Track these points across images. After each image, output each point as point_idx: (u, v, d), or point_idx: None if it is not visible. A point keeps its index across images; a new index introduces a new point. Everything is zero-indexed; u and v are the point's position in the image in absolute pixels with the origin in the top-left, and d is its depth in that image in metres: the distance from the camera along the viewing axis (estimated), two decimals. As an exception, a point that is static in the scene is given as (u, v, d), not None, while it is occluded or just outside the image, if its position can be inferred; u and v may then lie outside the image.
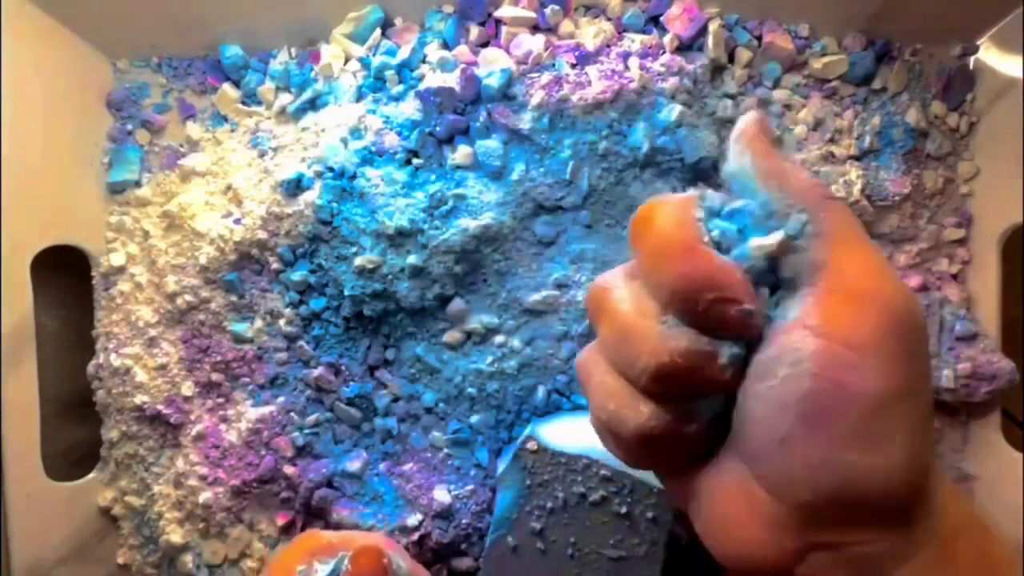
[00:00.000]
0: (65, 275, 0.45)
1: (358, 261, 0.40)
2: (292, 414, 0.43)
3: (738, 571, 0.23)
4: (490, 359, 0.41)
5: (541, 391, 0.41)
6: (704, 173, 0.41)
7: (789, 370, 0.20)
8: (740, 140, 0.23)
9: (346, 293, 0.41)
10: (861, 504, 0.20)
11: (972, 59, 0.45)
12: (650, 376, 0.22)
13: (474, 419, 0.42)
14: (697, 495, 0.24)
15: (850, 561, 0.21)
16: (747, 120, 0.24)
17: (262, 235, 0.42)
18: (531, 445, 0.36)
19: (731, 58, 0.43)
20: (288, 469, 0.43)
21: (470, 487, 0.42)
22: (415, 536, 0.41)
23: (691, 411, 0.23)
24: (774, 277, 0.22)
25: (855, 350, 0.20)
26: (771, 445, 0.21)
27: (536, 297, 0.40)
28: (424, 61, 0.42)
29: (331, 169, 0.41)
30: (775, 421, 0.21)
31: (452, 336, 0.42)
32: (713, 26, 0.42)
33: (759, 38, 0.44)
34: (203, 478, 0.43)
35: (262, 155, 0.44)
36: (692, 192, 0.24)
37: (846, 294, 0.21)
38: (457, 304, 0.41)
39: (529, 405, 0.41)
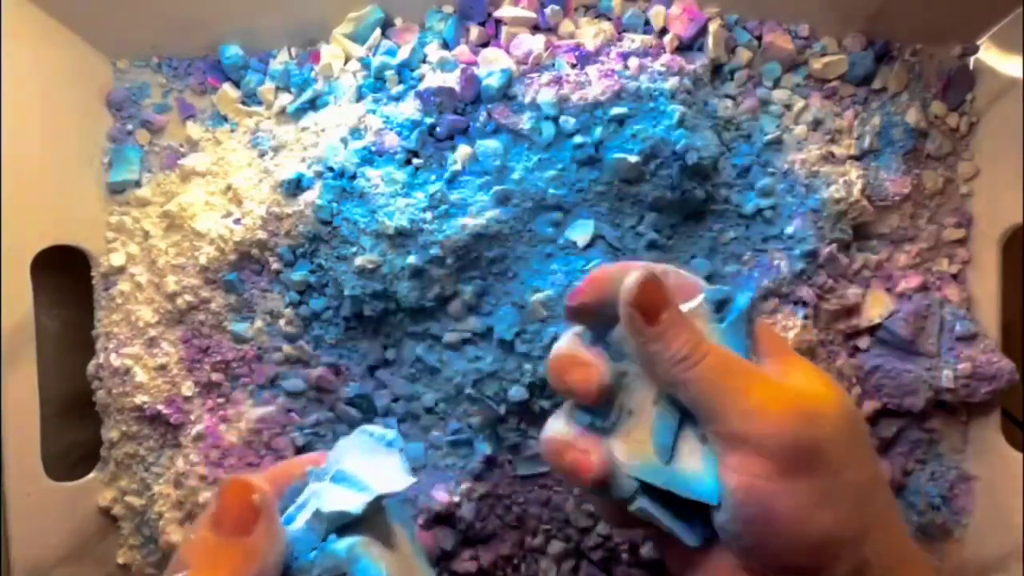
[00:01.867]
0: (65, 275, 0.45)
1: (358, 261, 0.40)
2: (292, 414, 0.43)
3: None
4: (490, 359, 0.41)
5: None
6: (703, 173, 0.41)
7: (726, 501, 0.26)
8: (624, 307, 0.27)
9: (346, 293, 0.41)
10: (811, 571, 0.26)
11: (972, 59, 0.45)
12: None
13: (474, 419, 0.42)
14: (698, 570, 0.28)
15: None
16: (627, 287, 0.27)
17: (262, 235, 0.42)
18: None
19: (731, 58, 0.43)
20: (288, 469, 0.43)
21: (470, 486, 0.42)
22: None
23: None
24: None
25: (765, 479, 0.25)
26: (740, 551, 0.27)
27: (537, 297, 0.40)
28: (424, 61, 0.42)
29: (331, 169, 0.41)
30: (734, 536, 0.26)
31: (452, 336, 0.42)
32: (713, 26, 0.42)
33: (759, 38, 0.44)
34: (203, 478, 0.43)
35: (262, 155, 0.44)
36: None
37: (741, 439, 0.25)
38: (457, 304, 0.41)
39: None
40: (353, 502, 0.27)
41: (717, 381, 0.26)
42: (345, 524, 0.27)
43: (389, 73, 0.42)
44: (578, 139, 0.39)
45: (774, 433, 0.25)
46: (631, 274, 0.27)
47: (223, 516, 0.25)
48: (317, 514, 0.27)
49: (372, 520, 0.28)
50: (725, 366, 0.26)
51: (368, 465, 0.29)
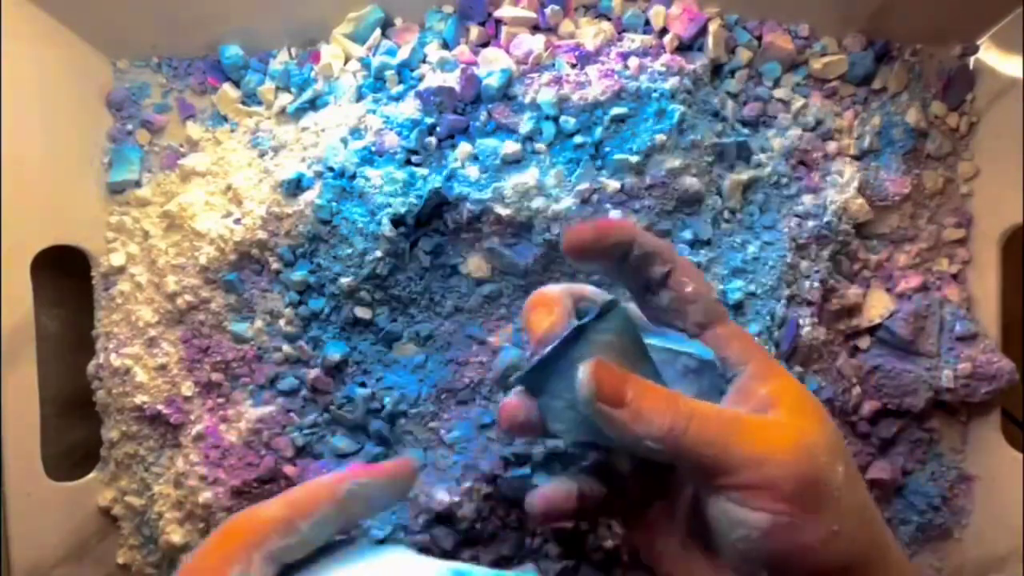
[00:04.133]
0: (65, 275, 0.45)
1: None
2: (292, 414, 0.43)
3: None
4: (491, 359, 0.41)
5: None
6: (703, 172, 0.41)
7: (745, 534, 0.26)
8: (592, 407, 0.27)
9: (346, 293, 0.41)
10: None
11: (972, 59, 0.45)
12: None
13: (474, 419, 0.42)
14: (667, 564, 0.30)
15: None
16: (585, 386, 0.26)
17: (262, 235, 0.42)
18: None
19: (731, 58, 0.43)
20: (288, 469, 0.43)
21: (470, 486, 0.42)
22: (416, 537, 0.41)
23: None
24: None
25: (790, 517, 0.26)
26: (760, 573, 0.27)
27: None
28: (424, 61, 0.42)
29: (331, 169, 0.41)
30: (760, 565, 0.27)
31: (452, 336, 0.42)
32: (713, 26, 0.42)
33: (759, 38, 0.44)
34: (203, 478, 0.43)
35: (262, 155, 0.44)
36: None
37: (758, 485, 0.26)
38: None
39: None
40: None
41: (715, 438, 0.26)
42: None
43: (389, 73, 0.42)
44: (578, 139, 0.39)
45: (787, 475, 0.26)
46: (580, 368, 0.27)
47: None
48: None
49: None
50: (713, 421, 0.26)
51: None
